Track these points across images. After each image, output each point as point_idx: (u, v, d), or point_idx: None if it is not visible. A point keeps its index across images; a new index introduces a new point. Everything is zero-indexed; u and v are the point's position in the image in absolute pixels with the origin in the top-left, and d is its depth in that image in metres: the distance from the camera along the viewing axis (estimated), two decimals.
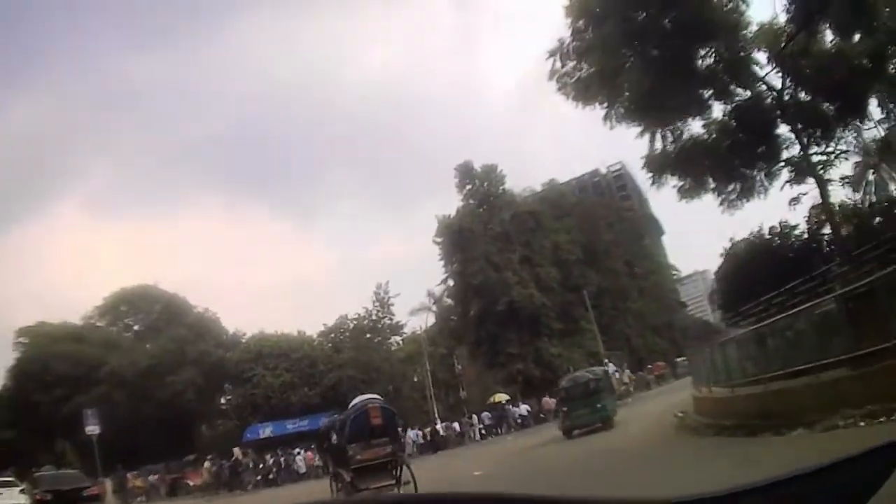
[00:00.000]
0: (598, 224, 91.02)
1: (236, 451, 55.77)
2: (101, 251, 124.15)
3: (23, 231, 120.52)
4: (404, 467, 20.10)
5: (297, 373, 69.89)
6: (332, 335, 75.95)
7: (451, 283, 78.96)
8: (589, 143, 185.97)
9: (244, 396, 69.50)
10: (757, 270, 39.51)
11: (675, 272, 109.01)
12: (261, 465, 54.03)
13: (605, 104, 33.12)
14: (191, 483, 54.37)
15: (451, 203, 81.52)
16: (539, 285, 75.33)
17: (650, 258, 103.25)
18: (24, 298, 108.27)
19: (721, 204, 35.59)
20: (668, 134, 34.56)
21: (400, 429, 25.71)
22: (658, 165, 35.07)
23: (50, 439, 64.61)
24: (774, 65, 32.46)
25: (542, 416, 59.95)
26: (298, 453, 54.13)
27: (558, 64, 33.37)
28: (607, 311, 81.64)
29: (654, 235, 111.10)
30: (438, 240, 78.09)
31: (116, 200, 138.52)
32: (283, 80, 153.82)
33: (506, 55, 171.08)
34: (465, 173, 79.94)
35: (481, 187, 79.78)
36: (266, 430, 65.44)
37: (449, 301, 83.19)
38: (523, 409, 60.95)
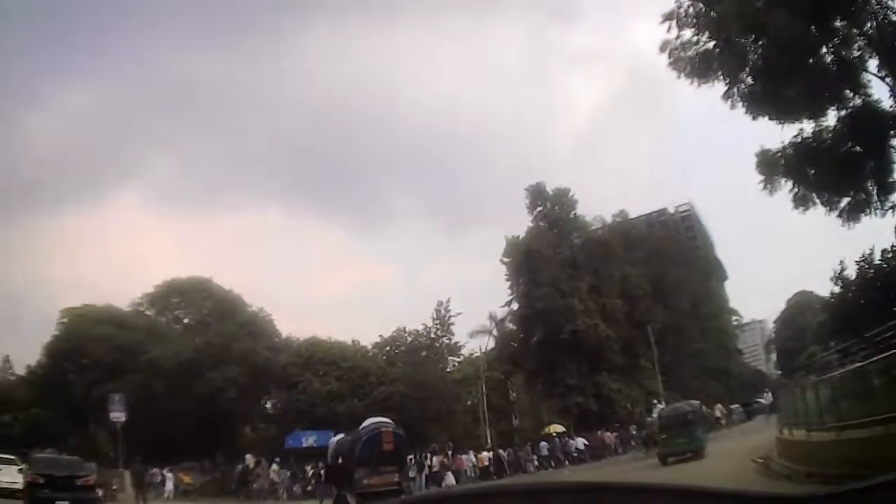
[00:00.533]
0: (666, 260, 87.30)
1: (248, 457, 52.79)
2: (160, 245, 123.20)
3: (84, 216, 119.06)
4: None
5: (347, 383, 66.40)
6: (388, 348, 72.74)
7: (515, 305, 75.18)
8: (656, 183, 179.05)
9: (288, 401, 66.15)
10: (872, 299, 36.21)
11: (736, 318, 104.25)
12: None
13: (728, 80, 30.26)
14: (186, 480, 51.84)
15: (513, 229, 77.59)
16: (604, 316, 71.69)
17: (714, 301, 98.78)
18: (79, 282, 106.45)
19: (839, 216, 31.55)
20: (783, 131, 31.05)
21: (410, 457, 24.23)
22: (770, 166, 31.99)
23: (82, 423, 62.42)
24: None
25: (597, 451, 56.61)
26: None
27: (673, 33, 30.47)
28: (669, 349, 77.56)
29: (719, 279, 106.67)
30: (506, 260, 74.58)
31: (179, 197, 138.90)
32: (356, 95, 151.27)
33: (575, 92, 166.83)
34: (537, 195, 76.48)
35: (552, 210, 76.27)
36: (309, 439, 61.58)
37: (510, 326, 79.77)
38: (580, 442, 57.02)
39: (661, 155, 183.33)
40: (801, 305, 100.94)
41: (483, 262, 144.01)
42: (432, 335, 73.77)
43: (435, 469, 51.66)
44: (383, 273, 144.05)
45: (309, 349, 68.71)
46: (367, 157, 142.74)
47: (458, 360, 77.33)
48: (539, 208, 76.38)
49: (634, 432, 57.80)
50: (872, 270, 39.84)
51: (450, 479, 49.82)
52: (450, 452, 54.51)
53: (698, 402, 46.62)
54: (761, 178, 32.14)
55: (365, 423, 21.69)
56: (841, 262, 44.81)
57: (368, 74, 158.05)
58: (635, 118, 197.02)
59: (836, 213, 31.35)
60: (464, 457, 53.82)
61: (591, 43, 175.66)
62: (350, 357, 68.77)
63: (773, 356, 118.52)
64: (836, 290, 46.31)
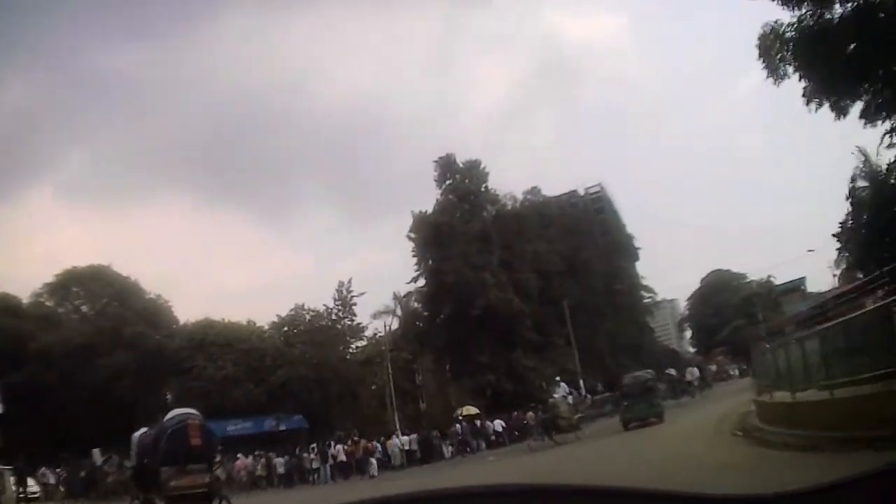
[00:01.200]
0: (579, 238, 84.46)
1: (95, 452, 45.63)
2: (72, 238, 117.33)
3: None
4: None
5: (243, 367, 60.74)
6: (286, 328, 66.73)
7: (422, 282, 70.76)
8: (566, 166, 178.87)
9: (182, 389, 59.74)
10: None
11: (650, 295, 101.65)
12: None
13: None
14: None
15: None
16: (518, 292, 67.43)
17: (626, 279, 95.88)
18: None
19: (861, 117, 25.17)
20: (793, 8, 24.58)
21: (218, 456, 21.84)
22: (773, 48, 24.80)
23: None
24: None
25: (516, 433, 50.88)
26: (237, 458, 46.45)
27: None
28: (583, 327, 73.60)
29: (630, 258, 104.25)
30: (413, 235, 69.77)
31: (90, 190, 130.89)
32: (262, 86, 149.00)
33: (485, 78, 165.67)
34: (446, 167, 72.08)
35: (462, 183, 71.88)
36: None
37: (416, 305, 75.16)
38: (497, 424, 52.26)
39: (572, 138, 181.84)
40: (717, 284, 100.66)
41: (394, 250, 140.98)
42: (333, 316, 68.27)
43: (340, 458, 46.63)
44: (294, 262, 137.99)
45: (201, 331, 62.77)
46: (276, 148, 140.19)
47: (361, 342, 72.42)
48: (448, 181, 72.07)
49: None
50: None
51: (373, 467, 44.89)
52: (356, 439, 49.21)
53: (652, 371, 46.00)
54: (763, 64, 25.38)
55: (169, 415, 19.27)
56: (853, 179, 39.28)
57: (278, 64, 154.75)
58: (545, 103, 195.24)
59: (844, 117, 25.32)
60: (397, 440, 48.53)
61: (502, 28, 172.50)
62: (245, 339, 62.94)
63: (688, 334, 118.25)
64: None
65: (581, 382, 65.78)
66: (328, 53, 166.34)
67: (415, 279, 70.90)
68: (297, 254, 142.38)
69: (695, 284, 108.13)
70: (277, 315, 67.15)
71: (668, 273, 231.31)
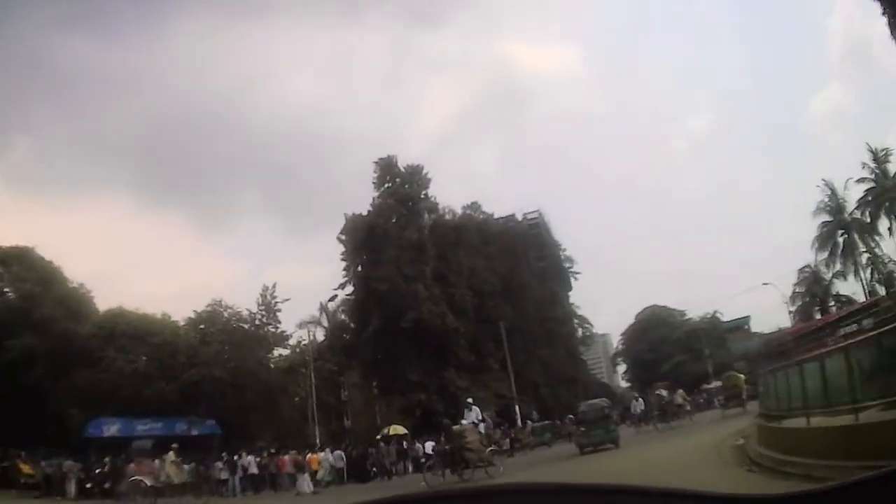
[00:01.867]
0: (516, 260, 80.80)
1: None
2: (9, 226, 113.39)
3: None
4: None
5: (155, 362, 54.98)
6: (202, 326, 60.49)
7: (350, 288, 65.74)
8: (506, 192, 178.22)
9: (91, 381, 53.49)
10: None
11: (586, 325, 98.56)
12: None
13: None
14: None
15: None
16: (452, 307, 63.13)
17: (560, 308, 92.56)
18: None
19: None
20: None
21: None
22: None
23: None
24: None
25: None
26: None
27: None
28: (518, 352, 69.76)
29: (565, 289, 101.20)
30: (343, 237, 65.06)
31: (34, 181, 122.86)
32: (211, 90, 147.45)
33: (432, 99, 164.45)
34: (387, 169, 67.88)
35: (402, 187, 67.46)
36: (112, 428, 51.50)
37: (343, 317, 70.24)
38: (429, 446, 47.52)
39: (514, 164, 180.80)
40: (653, 319, 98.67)
41: (329, 265, 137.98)
42: (257, 321, 62.59)
43: (252, 470, 41.44)
44: (227, 268, 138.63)
45: (111, 320, 56.72)
46: (219, 153, 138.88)
47: (285, 351, 67.04)
48: (387, 184, 67.51)
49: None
50: None
51: (303, 484, 38.99)
52: (272, 451, 44.08)
53: (608, 400, 44.46)
54: None
55: None
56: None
57: (228, 69, 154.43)
58: (490, 127, 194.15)
59: None
60: (286, 457, 42.70)
61: (454, 51, 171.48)
62: (158, 332, 56.98)
63: (621, 369, 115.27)
64: None
65: (517, 408, 61.95)
66: (279, 62, 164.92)
67: (342, 285, 66.07)
68: (232, 260, 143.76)
69: (627, 320, 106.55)
70: (194, 311, 61.52)
71: (600, 307, 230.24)
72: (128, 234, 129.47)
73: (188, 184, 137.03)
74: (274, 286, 62.70)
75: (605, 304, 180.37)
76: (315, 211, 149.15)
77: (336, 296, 57.37)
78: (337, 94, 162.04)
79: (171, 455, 33.54)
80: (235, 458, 41.90)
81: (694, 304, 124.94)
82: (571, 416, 56.16)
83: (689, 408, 47.17)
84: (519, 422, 59.30)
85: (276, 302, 62.26)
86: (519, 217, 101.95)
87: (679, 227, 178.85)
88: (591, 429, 36.27)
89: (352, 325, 66.56)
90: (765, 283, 70.09)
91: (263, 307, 62.35)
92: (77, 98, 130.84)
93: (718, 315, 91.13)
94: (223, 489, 40.58)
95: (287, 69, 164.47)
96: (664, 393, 48.03)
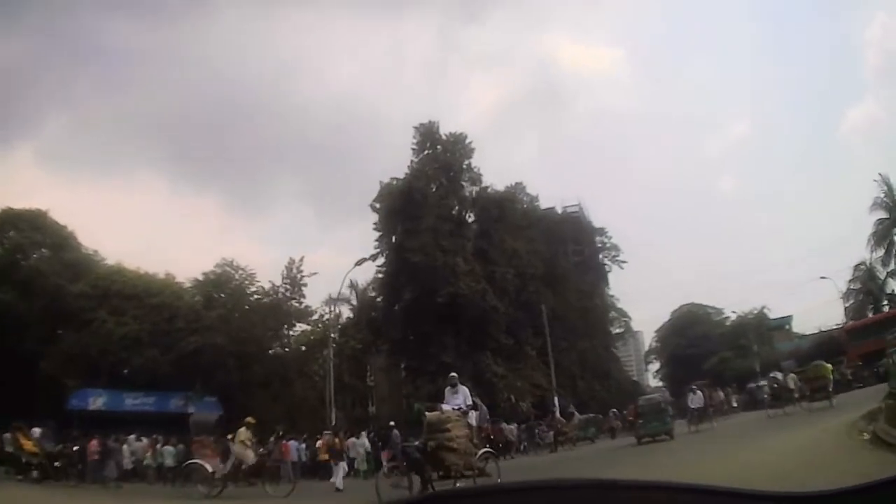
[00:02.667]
0: (559, 247, 75.00)
1: None
2: (48, 200, 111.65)
3: None
4: None
5: (149, 325, 47.05)
6: (210, 290, 52.11)
7: (381, 261, 57.85)
8: (545, 186, 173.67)
9: (78, 346, 46.06)
10: None
11: (624, 318, 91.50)
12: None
13: None
14: None
15: None
16: (492, 286, 55.28)
17: (601, 299, 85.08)
18: None
19: None
20: None
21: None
22: None
23: None
24: None
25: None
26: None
27: None
28: (558, 341, 62.01)
29: (603, 282, 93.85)
30: (378, 205, 57.40)
31: (70, 156, 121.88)
32: (252, 74, 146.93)
33: (474, 92, 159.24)
34: (428, 135, 60.15)
35: (443, 154, 59.62)
36: (98, 401, 44.85)
37: (373, 294, 62.68)
38: None
39: (553, 161, 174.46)
40: (691, 316, 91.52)
41: (364, 250, 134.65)
42: (280, 295, 54.79)
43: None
44: (259, 253, 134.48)
45: (107, 278, 49.12)
46: (258, 137, 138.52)
47: (307, 328, 58.01)
48: (428, 151, 59.60)
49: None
50: None
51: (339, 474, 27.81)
52: (280, 434, 35.80)
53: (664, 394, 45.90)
54: None
55: None
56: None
57: (269, 53, 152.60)
58: (531, 123, 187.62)
59: None
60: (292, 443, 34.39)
61: (498, 46, 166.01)
62: (157, 293, 49.20)
63: (653, 367, 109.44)
64: None
65: (556, 400, 54.35)
66: (320, 50, 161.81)
67: (373, 256, 58.07)
68: (264, 245, 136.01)
69: (660, 319, 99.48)
70: (203, 273, 53.32)
71: (633, 305, 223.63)
72: (161, 214, 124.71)
73: (225, 166, 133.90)
74: (301, 259, 54.42)
75: (637, 303, 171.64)
76: (351, 200, 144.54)
77: (364, 260, 48.80)
78: (378, 84, 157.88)
79: (243, 432, 24.38)
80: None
81: (731, 304, 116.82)
82: (615, 410, 51.91)
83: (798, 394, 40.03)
84: (557, 413, 51.66)
85: (303, 276, 54.44)
86: (559, 210, 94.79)
87: (712, 230, 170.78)
88: (648, 421, 37.06)
89: (380, 300, 58.90)
90: (822, 277, 65.17)
91: (288, 280, 54.78)
92: (118, 75, 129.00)
93: (766, 311, 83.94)
94: None
95: (330, 56, 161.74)
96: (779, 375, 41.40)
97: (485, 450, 18.66)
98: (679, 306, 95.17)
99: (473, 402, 19.09)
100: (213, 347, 45.12)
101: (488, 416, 26.03)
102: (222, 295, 50.97)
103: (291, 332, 55.82)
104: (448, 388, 18.90)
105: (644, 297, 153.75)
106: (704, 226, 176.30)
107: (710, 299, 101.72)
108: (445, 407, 18.14)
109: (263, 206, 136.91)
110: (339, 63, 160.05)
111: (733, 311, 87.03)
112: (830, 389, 35.62)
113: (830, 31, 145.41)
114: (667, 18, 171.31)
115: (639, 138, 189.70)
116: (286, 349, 53.25)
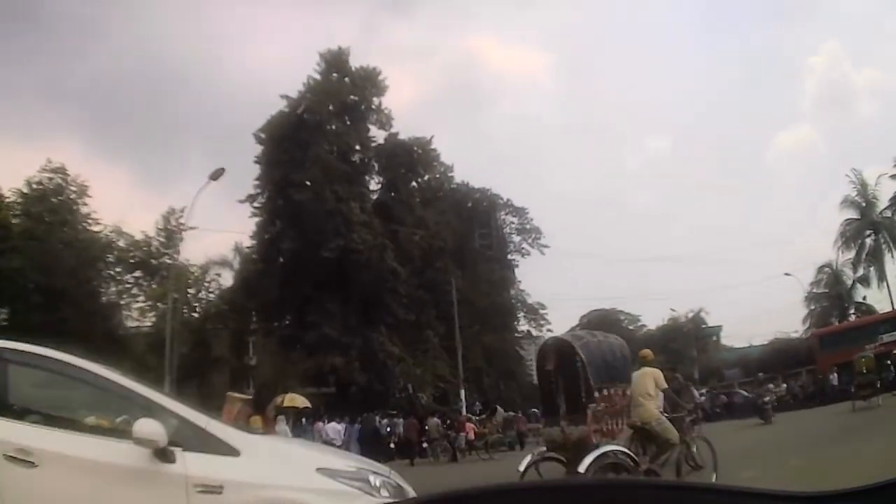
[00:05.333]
0: (472, 225, 62.78)
1: None
2: None
3: None
4: None
5: None
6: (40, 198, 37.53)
7: (260, 202, 44.31)
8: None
9: None
10: None
11: (543, 310, 79.56)
12: None
13: None
14: None
15: None
16: (396, 246, 42.94)
17: (510, 293, 73.48)
18: None
19: None
20: None
21: None
22: None
23: None
24: None
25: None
26: None
27: None
28: (464, 329, 49.97)
29: (512, 275, 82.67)
30: (263, 135, 44.06)
31: None
32: (177, 49, 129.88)
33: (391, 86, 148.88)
34: (334, 64, 46.85)
35: (351, 87, 46.61)
36: None
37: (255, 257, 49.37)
38: (332, 429, 27.65)
39: (466, 162, 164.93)
40: (604, 323, 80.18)
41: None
42: (152, 249, 42.20)
43: None
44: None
45: None
46: (172, 114, 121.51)
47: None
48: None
49: None
50: None
51: None
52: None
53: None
54: None
55: None
56: None
57: (191, 30, 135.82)
58: (447, 120, 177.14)
59: None
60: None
61: (420, 41, 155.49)
62: None
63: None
64: None
65: (462, 395, 42.62)
66: (243, 32, 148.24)
67: (251, 197, 44.54)
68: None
69: (569, 323, 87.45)
70: (38, 181, 38.89)
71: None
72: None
73: (139, 138, 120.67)
74: (183, 210, 40.47)
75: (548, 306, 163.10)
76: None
77: (220, 173, 34.87)
78: (297, 67, 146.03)
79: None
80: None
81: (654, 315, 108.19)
82: (535, 409, 40.17)
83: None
84: (464, 410, 39.95)
85: (182, 228, 40.50)
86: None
87: (628, 243, 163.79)
88: None
89: (255, 252, 45.42)
90: (786, 274, 56.94)
91: (164, 231, 41.64)
92: (35, 41, 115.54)
93: (703, 314, 73.46)
94: None
95: (252, 39, 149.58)
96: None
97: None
98: (589, 311, 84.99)
99: None
100: (11, 270, 31.05)
101: None
102: (46, 208, 36.54)
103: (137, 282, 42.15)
104: None
105: (554, 300, 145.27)
106: (620, 238, 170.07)
107: (629, 307, 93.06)
108: None
109: (174, 181, 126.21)
110: (261, 45, 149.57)
111: (672, 309, 77.42)
112: (878, 386, 29.42)
113: (774, 55, 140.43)
114: (597, 27, 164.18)
115: (557, 146, 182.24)
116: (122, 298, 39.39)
